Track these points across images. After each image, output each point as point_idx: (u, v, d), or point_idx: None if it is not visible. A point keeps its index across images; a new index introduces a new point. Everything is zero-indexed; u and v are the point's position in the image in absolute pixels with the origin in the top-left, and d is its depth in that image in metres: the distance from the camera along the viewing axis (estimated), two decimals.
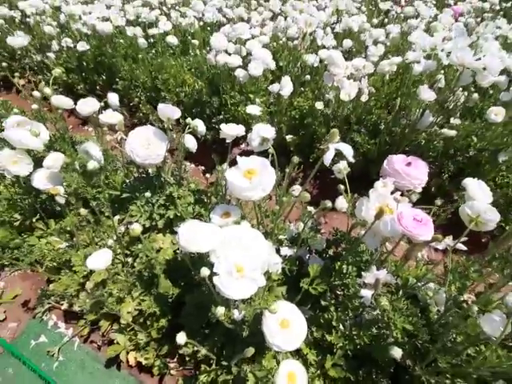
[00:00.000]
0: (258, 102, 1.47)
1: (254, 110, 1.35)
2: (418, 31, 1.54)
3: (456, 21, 2.06)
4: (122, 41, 1.88)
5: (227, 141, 0.88)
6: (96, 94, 2.21)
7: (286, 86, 1.40)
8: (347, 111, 1.50)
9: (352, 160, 0.64)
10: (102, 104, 1.11)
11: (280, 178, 1.08)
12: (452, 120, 1.34)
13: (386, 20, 2.15)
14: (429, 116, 1.25)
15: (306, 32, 1.63)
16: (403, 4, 2.88)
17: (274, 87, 1.41)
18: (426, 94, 1.09)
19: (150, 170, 1.03)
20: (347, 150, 0.61)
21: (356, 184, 1.59)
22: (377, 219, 0.55)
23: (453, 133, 1.27)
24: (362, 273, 0.57)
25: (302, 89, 1.69)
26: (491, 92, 1.53)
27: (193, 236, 0.49)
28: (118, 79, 2.03)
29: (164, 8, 2.43)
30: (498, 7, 3.38)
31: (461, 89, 1.16)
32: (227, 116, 1.71)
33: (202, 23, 2.12)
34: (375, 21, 1.97)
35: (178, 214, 0.95)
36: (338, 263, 0.76)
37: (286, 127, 1.64)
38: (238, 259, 0.45)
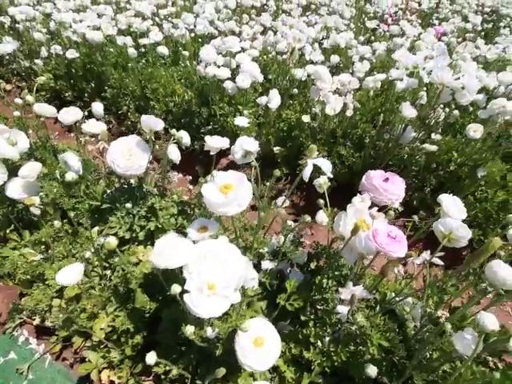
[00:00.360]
0: (246, 114, 1.49)
1: (241, 121, 1.36)
2: (402, 49, 1.59)
3: (439, 40, 2.14)
4: (111, 49, 1.88)
5: (211, 153, 0.88)
6: (84, 101, 2.20)
7: (273, 99, 1.41)
8: (333, 125, 1.53)
9: (330, 175, 0.65)
10: (86, 113, 1.10)
11: (265, 189, 1.08)
12: (433, 135, 1.38)
13: (373, 37, 2.22)
14: (411, 132, 1.28)
15: (295, 47, 1.67)
16: (390, 23, 2.98)
17: (262, 99, 1.43)
18: (408, 110, 1.12)
19: (132, 181, 1.01)
20: (325, 166, 0.61)
21: (341, 196, 1.60)
22: (353, 235, 0.55)
23: (434, 148, 1.31)
24: (339, 288, 0.57)
25: (291, 101, 1.72)
26: (471, 109, 1.59)
27: (165, 251, 0.48)
28: (106, 87, 2.03)
29: (156, 19, 2.46)
30: (479, 28, 3.54)
31: (441, 106, 1.20)
32: (216, 127, 1.71)
33: (193, 35, 2.15)
34: (362, 38, 2.03)
35: (160, 226, 0.94)
36: (318, 277, 0.75)
37: (273, 139, 1.65)
38: (211, 276, 0.45)
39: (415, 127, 1.29)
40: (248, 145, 0.74)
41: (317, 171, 0.74)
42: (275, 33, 2.01)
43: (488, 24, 3.59)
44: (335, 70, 2.24)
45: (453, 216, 0.68)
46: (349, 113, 1.34)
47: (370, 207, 0.68)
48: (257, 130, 1.73)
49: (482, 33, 3.28)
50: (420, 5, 4.03)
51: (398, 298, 0.68)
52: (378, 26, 2.86)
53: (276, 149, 1.60)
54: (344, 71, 2.13)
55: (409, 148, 1.36)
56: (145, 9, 2.35)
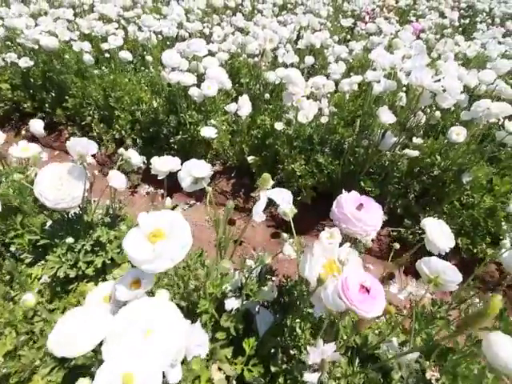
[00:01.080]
0: (213, 123, 1.37)
1: (208, 132, 1.25)
2: (379, 48, 1.50)
3: (417, 37, 2.08)
4: (67, 56, 1.73)
5: (159, 177, 0.75)
6: (45, 112, 2.03)
7: (243, 106, 1.30)
8: (310, 131, 1.43)
9: (287, 209, 0.54)
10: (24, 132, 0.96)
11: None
12: (414, 139, 1.30)
13: (350, 37, 2.14)
14: (391, 137, 1.19)
15: (265, 49, 1.56)
16: (367, 21, 2.92)
17: (232, 107, 1.31)
18: (386, 116, 1.03)
19: (72, 212, 0.88)
20: (282, 198, 0.50)
21: (321, 207, 1.51)
22: (319, 285, 0.45)
23: (415, 153, 1.23)
24: (307, 347, 0.47)
25: (266, 105, 1.62)
26: (453, 109, 1.52)
27: (68, 334, 0.36)
28: (67, 97, 1.87)
29: (123, 21, 2.31)
30: (457, 23, 3.53)
31: (422, 107, 1.12)
32: (185, 136, 1.59)
33: (161, 37, 2.01)
34: (336, 38, 1.95)
35: (109, 262, 0.81)
36: (290, 319, 0.65)
37: (248, 147, 1.54)
38: (128, 365, 0.33)
39: (395, 132, 1.20)
40: (198, 170, 0.63)
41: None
42: (247, 33, 1.91)
43: (465, 19, 3.58)
44: (312, 71, 2.15)
45: (439, 245, 0.58)
46: (323, 119, 1.24)
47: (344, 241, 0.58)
48: (230, 138, 1.62)
49: (460, 29, 3.26)
50: (397, 2, 4.00)
51: (382, 345, 0.59)
52: (355, 24, 2.79)
53: (250, 158, 1.49)
54: (321, 72, 2.04)
55: (390, 154, 1.27)
56: (109, 11, 2.20)
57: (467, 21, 3.52)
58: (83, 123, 1.90)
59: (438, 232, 0.59)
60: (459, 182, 1.25)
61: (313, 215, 1.51)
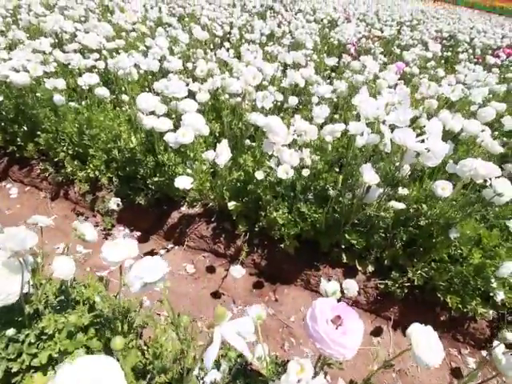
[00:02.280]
0: (190, 173, 1.29)
1: (183, 183, 1.17)
2: (363, 92, 1.48)
3: (401, 77, 2.09)
4: (38, 94, 1.65)
5: (112, 268, 0.66)
6: (17, 146, 1.93)
7: (222, 154, 1.23)
8: (292, 177, 1.37)
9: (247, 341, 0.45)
10: None
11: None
12: (400, 190, 1.25)
13: (334, 73, 2.13)
14: (375, 190, 1.14)
15: (248, 89, 1.52)
16: (352, 52, 2.95)
17: (209, 154, 1.24)
18: (369, 175, 0.98)
19: None
20: (240, 335, 0.42)
21: (304, 255, 1.44)
22: None
23: (401, 206, 1.17)
24: None
25: (249, 142, 1.55)
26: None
27: None
28: (40, 131, 1.78)
29: (104, 52, 2.25)
30: (439, 54, 3.62)
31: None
32: (162, 179, 1.51)
33: (142, 71, 1.95)
34: (321, 76, 1.93)
35: (56, 355, 0.71)
36: None
37: (228, 192, 1.46)
38: None
39: (380, 184, 1.14)
40: (150, 274, 0.53)
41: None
42: (231, 70, 1.87)
43: (447, 51, 3.68)
44: (298, 105, 2.12)
45: (425, 361, 0.51)
46: (305, 172, 1.18)
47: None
48: (210, 180, 1.54)
49: (442, 61, 3.34)
50: (382, 31, 4.11)
51: None
52: (341, 56, 2.81)
53: (231, 204, 1.42)
54: (306, 108, 2.01)
55: (375, 206, 1.21)
56: (90, 42, 2.14)
57: (449, 53, 3.60)
58: (56, 159, 1.80)
59: (425, 345, 0.52)
60: (447, 235, 1.19)
61: (296, 264, 1.43)
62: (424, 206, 1.31)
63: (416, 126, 1.13)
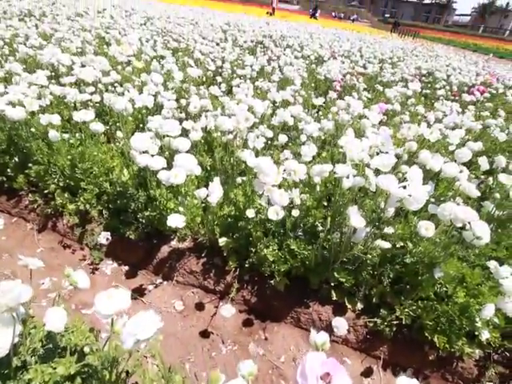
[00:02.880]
0: (181, 211, 1.31)
1: (175, 221, 1.19)
2: (348, 133, 1.57)
3: (384, 114, 2.21)
4: (33, 129, 1.67)
5: (104, 321, 0.66)
6: (7, 176, 1.91)
7: (213, 192, 1.27)
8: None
9: None
10: None
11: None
12: (386, 229, 1.29)
13: (321, 112, 2.25)
14: (362, 231, 1.18)
15: (239, 128, 1.58)
16: (338, 89, 3.12)
17: (201, 192, 1.27)
18: (356, 219, 1.02)
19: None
20: None
21: (295, 291, 1.44)
22: None
23: (387, 245, 1.21)
24: None
25: (240, 179, 1.59)
26: None
27: None
28: (31, 163, 1.78)
29: (100, 85, 2.32)
30: (419, 90, 3.86)
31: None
32: (154, 214, 1.52)
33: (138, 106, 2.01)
34: (310, 114, 2.03)
35: None
36: None
37: (219, 227, 1.48)
38: None
39: (366, 224, 1.19)
40: (144, 332, 0.54)
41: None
42: (223, 107, 1.95)
43: (426, 89, 3.93)
44: (287, 141, 2.20)
45: None
46: (295, 213, 1.22)
47: None
48: (202, 215, 1.56)
49: (422, 98, 3.56)
50: (365, 68, 4.37)
51: None
52: (328, 91, 2.97)
53: (221, 241, 1.43)
54: (295, 143, 2.10)
55: (362, 244, 1.25)
56: (87, 76, 2.20)
57: (428, 90, 3.85)
58: (46, 191, 1.79)
59: None
60: (431, 274, 1.23)
61: (286, 301, 1.43)
62: (409, 243, 1.36)
63: (398, 172, 1.20)
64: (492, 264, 1.11)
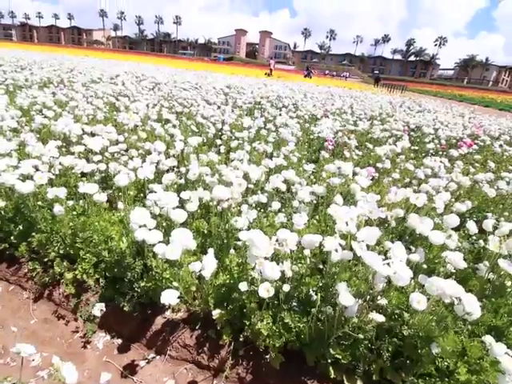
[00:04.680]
0: (175, 285, 1.33)
1: (168, 298, 1.20)
2: (337, 199, 1.64)
3: (372, 178, 2.32)
4: (40, 203, 1.77)
5: None
6: (10, 244, 1.97)
7: (208, 266, 1.30)
8: (276, 284, 1.41)
9: None
10: None
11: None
12: (379, 300, 1.29)
13: (312, 177, 2.37)
14: (355, 305, 1.18)
15: (234, 198, 1.67)
16: (329, 149, 3.31)
17: (196, 266, 1.30)
18: (346, 298, 1.04)
19: None
20: None
21: (292, 370, 1.39)
22: None
23: (381, 318, 1.20)
24: None
25: (233, 251, 1.63)
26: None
27: None
28: (34, 232, 1.85)
29: (107, 154, 2.49)
30: (408, 145, 4.07)
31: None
32: (149, 285, 1.53)
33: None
34: (304, 181, 2.14)
35: None
36: None
37: (213, 298, 1.48)
38: None
39: (358, 299, 1.20)
40: None
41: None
42: (220, 175, 2.06)
43: (416, 145, 4.15)
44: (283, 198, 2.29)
45: None
46: (286, 288, 1.24)
47: None
48: (196, 285, 1.57)
49: (412, 154, 3.74)
50: (356, 125, 4.67)
51: None
52: (320, 152, 3.15)
53: (215, 313, 1.42)
54: (289, 204, 2.17)
55: (356, 318, 1.24)
56: (95, 146, 2.38)
57: (417, 147, 4.06)
58: (46, 259, 1.83)
59: None
60: (429, 349, 1.20)
61: (283, 379, 1.37)
62: (405, 314, 1.35)
63: (382, 250, 1.24)
64: (487, 340, 1.09)
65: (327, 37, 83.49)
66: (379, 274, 1.05)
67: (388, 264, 1.03)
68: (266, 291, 1.16)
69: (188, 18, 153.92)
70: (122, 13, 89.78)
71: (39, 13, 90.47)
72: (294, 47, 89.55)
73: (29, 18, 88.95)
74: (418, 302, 1.16)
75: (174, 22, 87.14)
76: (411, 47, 76.59)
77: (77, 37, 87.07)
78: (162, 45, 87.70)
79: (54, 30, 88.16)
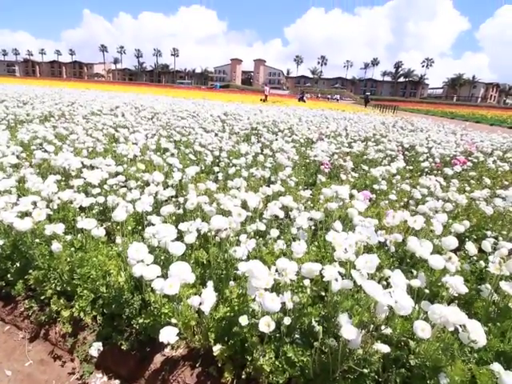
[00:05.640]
0: (174, 322, 1.31)
1: (167, 336, 1.17)
2: (336, 226, 1.65)
3: (370, 200, 2.34)
4: (37, 240, 1.77)
5: None
6: (6, 281, 1.94)
7: (207, 300, 1.28)
8: (277, 315, 1.39)
9: None
10: None
11: None
12: (383, 328, 1.26)
13: (310, 203, 2.39)
14: (358, 337, 1.16)
15: (232, 227, 1.67)
16: (326, 172, 3.36)
17: (194, 301, 1.29)
18: (349, 331, 1.02)
19: None
20: None
21: None
22: None
23: (386, 349, 1.17)
24: None
25: (233, 282, 1.61)
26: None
27: None
28: (32, 270, 1.83)
29: (106, 186, 2.52)
30: (403, 164, 4.13)
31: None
32: (148, 321, 1.50)
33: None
34: (300, 206, 2.16)
35: None
36: None
37: (214, 333, 1.44)
38: None
39: (361, 329, 1.17)
40: None
41: None
42: (218, 204, 2.08)
43: (410, 165, 4.21)
44: (281, 226, 2.29)
45: None
46: (287, 321, 1.22)
47: None
48: (197, 318, 1.53)
49: (407, 174, 3.78)
50: (351, 147, 4.76)
51: None
52: (317, 174, 3.19)
53: (216, 349, 1.38)
54: (288, 229, 2.17)
55: (361, 350, 1.20)
56: (93, 179, 2.41)
57: (412, 166, 4.12)
58: (43, 297, 1.80)
59: None
60: (438, 380, 1.16)
61: None
62: (411, 342, 1.31)
63: (383, 276, 1.24)
64: (496, 368, 1.06)
65: (318, 62, 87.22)
66: (380, 304, 1.04)
67: (389, 293, 1.02)
68: (266, 326, 1.13)
69: (185, 50, 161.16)
70: (122, 47, 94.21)
71: (42, 49, 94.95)
72: (288, 73, 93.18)
73: (32, 55, 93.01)
74: (423, 329, 1.14)
75: (172, 54, 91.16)
76: (400, 69, 79.83)
77: (78, 70, 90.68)
78: (161, 75, 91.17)
79: (55, 64, 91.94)
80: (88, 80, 71.25)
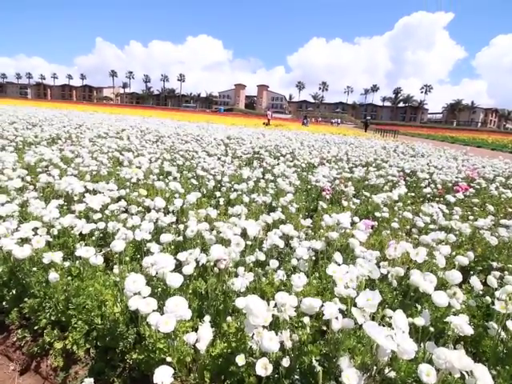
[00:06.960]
0: (169, 361, 1.26)
1: (162, 376, 1.12)
2: (337, 258, 1.62)
3: (372, 227, 2.32)
4: (35, 269, 1.76)
5: None
6: (0, 309, 1.90)
7: (203, 337, 1.24)
8: (276, 354, 1.33)
9: None
10: None
11: None
12: (387, 371, 1.21)
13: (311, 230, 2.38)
14: (360, 382, 1.10)
15: (231, 257, 1.65)
16: (327, 198, 3.36)
17: (190, 338, 1.25)
18: (348, 370, 0.97)
19: None
20: None
21: None
22: None
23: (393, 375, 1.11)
24: None
25: (230, 318, 1.56)
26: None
27: None
28: (27, 298, 1.79)
29: (107, 211, 2.52)
30: (405, 190, 4.12)
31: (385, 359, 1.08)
32: (142, 357, 1.44)
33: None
34: (302, 234, 2.14)
35: None
36: None
37: (210, 372, 1.38)
38: None
39: (363, 372, 1.12)
40: None
41: None
42: (218, 232, 2.07)
43: (412, 192, 4.21)
44: (281, 255, 2.26)
45: None
46: (285, 362, 1.17)
47: None
48: (193, 354, 1.48)
49: (409, 201, 3.77)
50: (352, 172, 4.79)
51: None
52: (318, 201, 3.19)
53: None
54: (288, 258, 2.14)
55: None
56: (95, 204, 2.42)
57: (413, 193, 4.12)
58: (36, 327, 1.75)
59: None
60: None
61: None
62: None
63: (384, 316, 1.20)
64: None
65: (320, 88, 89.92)
66: (382, 347, 1.00)
67: (391, 336, 0.98)
68: (263, 369, 1.08)
69: (191, 76, 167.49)
70: (131, 72, 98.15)
71: (54, 73, 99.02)
72: (290, 98, 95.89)
73: (44, 78, 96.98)
74: (427, 374, 1.08)
75: (178, 79, 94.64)
76: (399, 94, 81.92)
77: (87, 94, 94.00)
78: (167, 99, 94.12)
79: (66, 88, 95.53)
80: (97, 103, 73.61)
